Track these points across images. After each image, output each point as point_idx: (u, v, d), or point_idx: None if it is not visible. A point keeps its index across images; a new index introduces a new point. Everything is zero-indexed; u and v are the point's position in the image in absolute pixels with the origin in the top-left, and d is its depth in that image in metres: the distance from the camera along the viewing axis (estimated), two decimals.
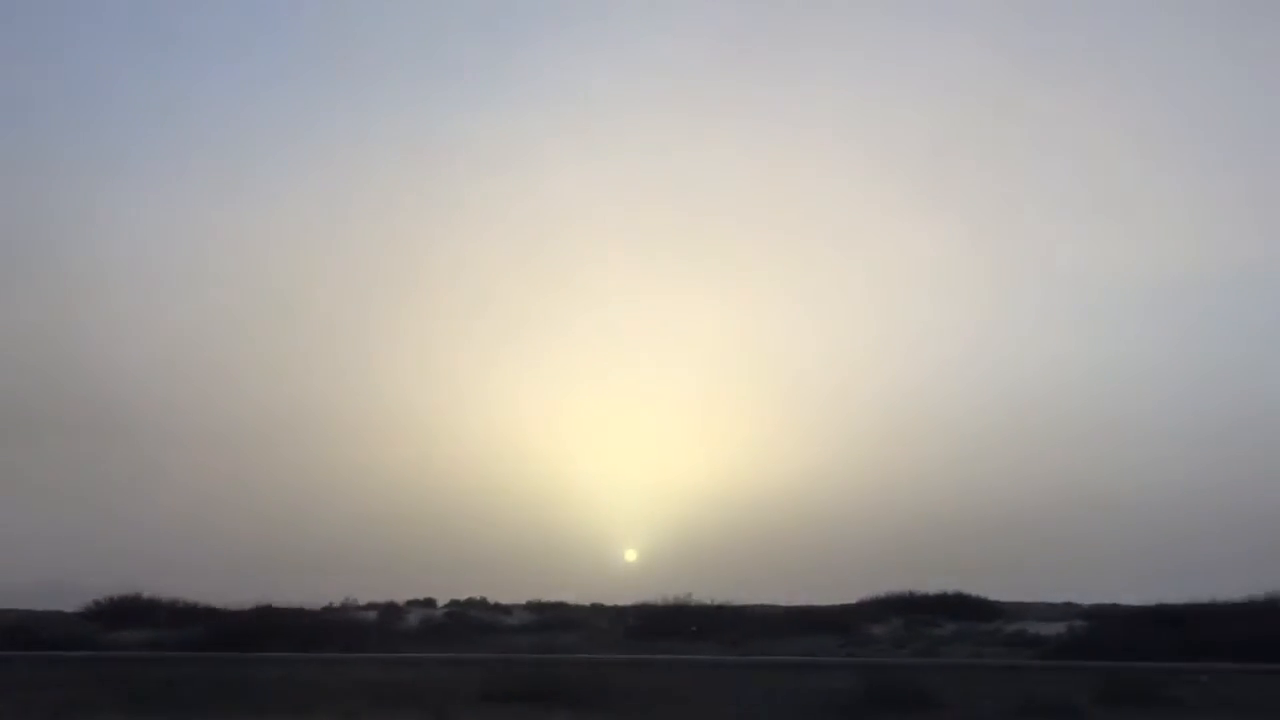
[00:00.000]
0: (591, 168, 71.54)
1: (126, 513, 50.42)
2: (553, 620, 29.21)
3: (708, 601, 24.88)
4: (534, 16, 72.23)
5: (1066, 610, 30.98)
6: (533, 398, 62.59)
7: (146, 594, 29.25)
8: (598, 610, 32.06)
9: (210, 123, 73.33)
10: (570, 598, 34.46)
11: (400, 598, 34.97)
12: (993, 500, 52.56)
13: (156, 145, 71.29)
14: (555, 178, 70.29)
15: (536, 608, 33.03)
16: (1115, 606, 29.14)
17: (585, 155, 73.01)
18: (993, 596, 32.65)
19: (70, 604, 30.65)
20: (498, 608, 32.82)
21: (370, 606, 32.11)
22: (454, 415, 62.13)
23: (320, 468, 56.49)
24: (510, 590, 35.52)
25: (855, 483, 55.18)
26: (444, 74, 75.66)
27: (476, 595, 34.52)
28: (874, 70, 71.69)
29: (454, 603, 33.26)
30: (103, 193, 66.80)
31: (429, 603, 32.75)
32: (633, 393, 64.26)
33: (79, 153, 70.19)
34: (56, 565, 41.68)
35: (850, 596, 32.91)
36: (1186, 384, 59.32)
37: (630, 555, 44.47)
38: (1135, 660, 17.58)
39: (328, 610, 30.31)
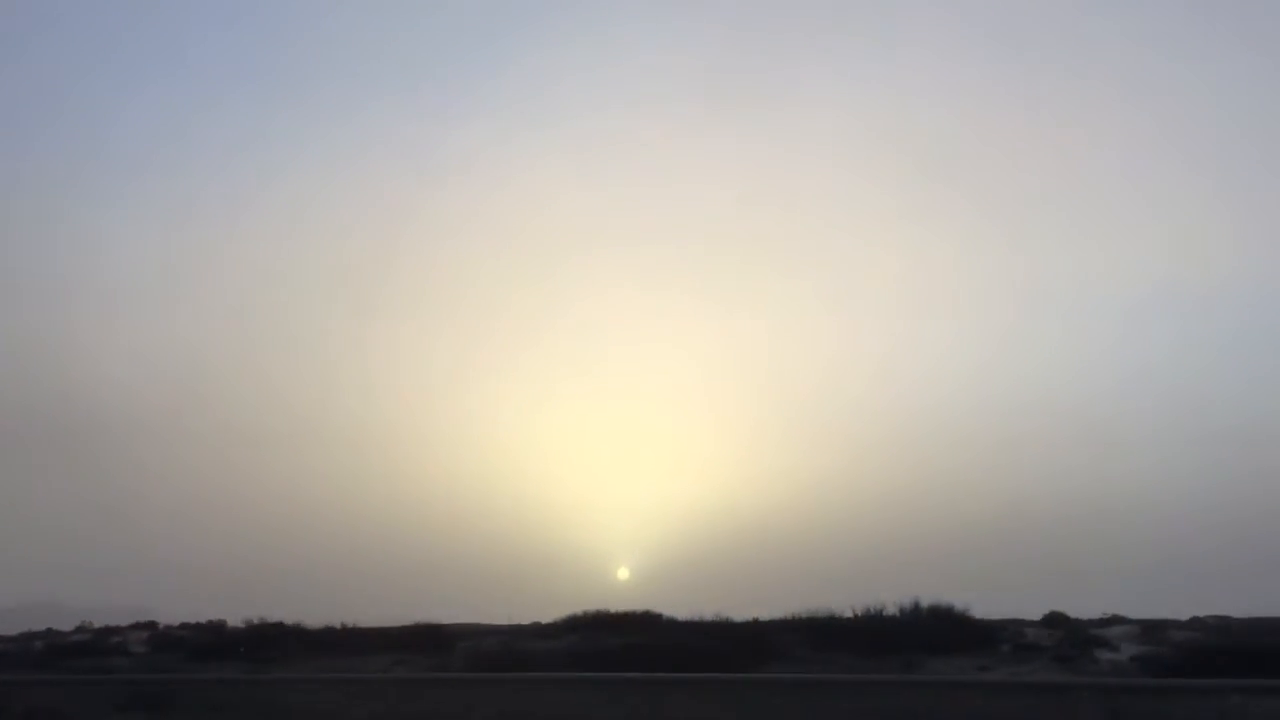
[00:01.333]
0: (580, 174, 70.59)
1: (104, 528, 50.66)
2: None
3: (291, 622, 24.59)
4: (521, 28, 71.88)
5: None
6: (514, 412, 61.41)
7: None
8: None
9: (190, 140, 74.57)
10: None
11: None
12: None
13: (137, 161, 72.59)
14: (541, 185, 69.00)
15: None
16: None
17: (572, 163, 71.94)
18: None
19: None
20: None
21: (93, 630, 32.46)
22: (429, 430, 61.17)
23: (289, 484, 56.58)
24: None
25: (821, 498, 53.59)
26: (419, 83, 75.39)
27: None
28: (886, 73, 69.87)
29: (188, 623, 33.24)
30: (85, 212, 68.02)
31: (149, 625, 32.80)
32: (619, 403, 62.88)
33: (56, 171, 71.77)
34: None
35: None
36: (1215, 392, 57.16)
37: (622, 573, 43.51)
38: None
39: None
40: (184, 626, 33.76)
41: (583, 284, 66.29)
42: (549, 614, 31.42)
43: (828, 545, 47.88)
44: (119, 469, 55.84)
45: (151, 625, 32.70)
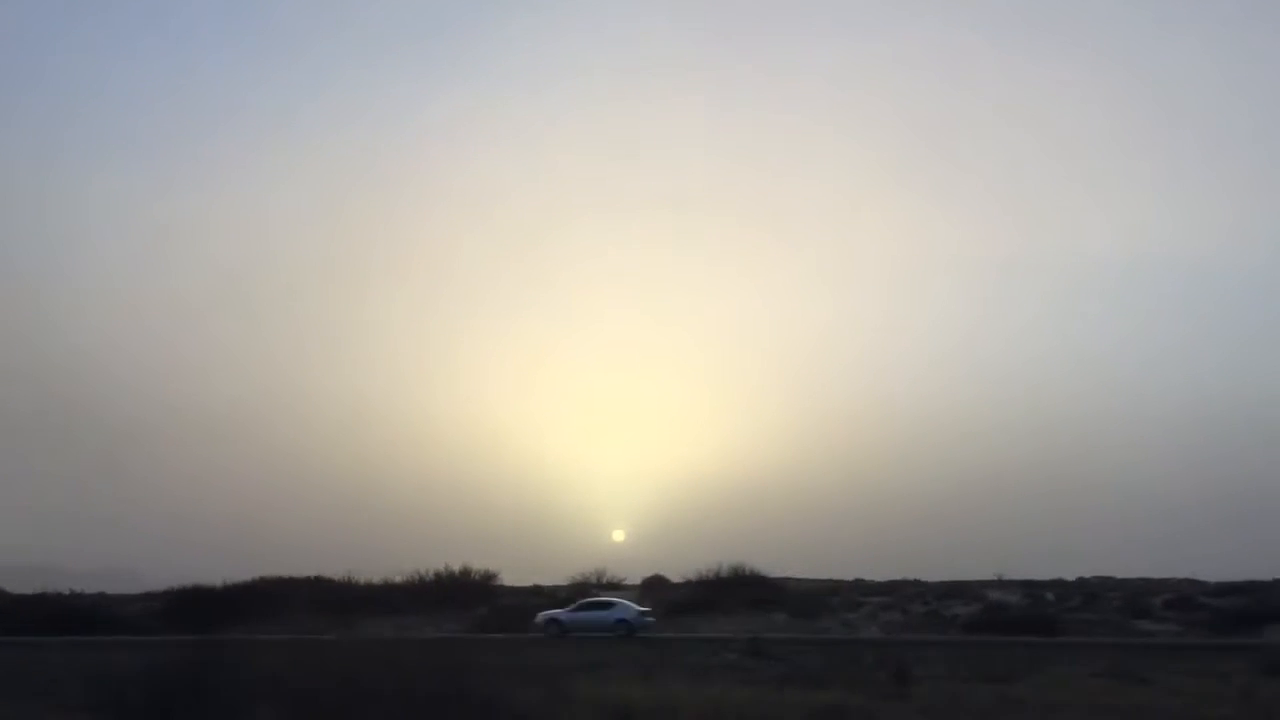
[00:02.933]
0: (573, 141, 71.07)
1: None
2: None
3: None
4: None
5: None
6: (507, 378, 64.23)
7: None
8: None
9: (176, 108, 79.74)
10: None
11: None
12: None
13: (124, 130, 78.04)
14: (532, 153, 69.70)
15: None
16: None
17: (564, 130, 72.15)
18: None
19: None
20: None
21: None
22: (422, 397, 64.69)
23: (283, 454, 62.70)
24: None
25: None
26: (405, 49, 77.37)
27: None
28: (882, 44, 66.40)
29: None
30: (71, 183, 74.38)
31: None
32: (614, 368, 64.46)
33: (36, 144, 78.02)
34: None
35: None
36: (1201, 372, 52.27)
37: (618, 535, 46.74)
38: None
39: None
40: None
41: (576, 250, 67.11)
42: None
43: (820, 506, 47.96)
44: (106, 440, 61.35)
45: None
